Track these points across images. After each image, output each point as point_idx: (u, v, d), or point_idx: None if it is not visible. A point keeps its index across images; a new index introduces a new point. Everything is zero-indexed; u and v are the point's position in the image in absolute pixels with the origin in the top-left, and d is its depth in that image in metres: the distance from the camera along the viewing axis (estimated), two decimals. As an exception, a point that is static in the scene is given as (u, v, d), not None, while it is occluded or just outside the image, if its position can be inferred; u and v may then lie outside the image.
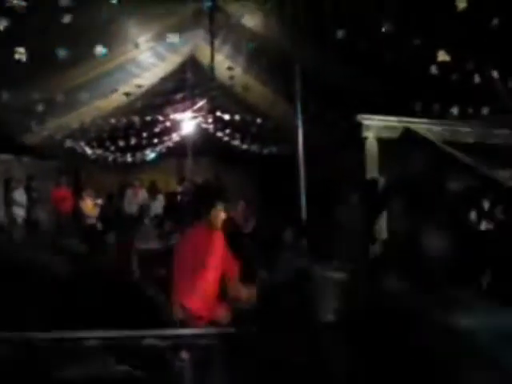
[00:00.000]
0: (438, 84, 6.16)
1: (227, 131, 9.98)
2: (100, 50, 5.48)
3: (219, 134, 9.94)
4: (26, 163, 9.65)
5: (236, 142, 10.28)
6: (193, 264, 2.85)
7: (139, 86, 8.42)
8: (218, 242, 2.97)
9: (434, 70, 5.92)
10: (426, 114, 7.24)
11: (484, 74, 6.12)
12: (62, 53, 5.45)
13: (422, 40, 5.62)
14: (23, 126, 8.02)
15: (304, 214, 6.69)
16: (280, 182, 8.87)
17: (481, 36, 5.39)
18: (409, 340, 1.71)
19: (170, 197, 10.69)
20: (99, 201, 9.36)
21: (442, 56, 5.67)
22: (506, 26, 5.21)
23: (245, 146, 10.35)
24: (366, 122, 7.40)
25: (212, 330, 2.56)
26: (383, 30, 5.48)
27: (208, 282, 2.84)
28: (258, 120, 9.25)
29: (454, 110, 6.98)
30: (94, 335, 2.43)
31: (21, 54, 5.01)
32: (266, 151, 10.27)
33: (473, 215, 6.11)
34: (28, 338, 2.35)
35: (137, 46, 6.91)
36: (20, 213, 8.75)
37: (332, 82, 7.32)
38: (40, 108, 6.92)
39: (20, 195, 8.89)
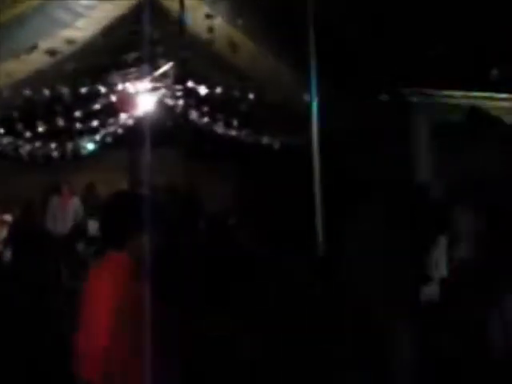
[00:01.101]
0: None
1: (204, 110, 9.45)
2: None
3: (192, 114, 9.40)
4: None
5: (218, 127, 9.82)
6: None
7: (70, 41, 7.52)
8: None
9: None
10: (503, 86, 7.45)
11: None
12: None
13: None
14: None
15: (320, 238, 6.53)
16: (284, 187, 8.92)
17: None
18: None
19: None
20: (7, 216, 8.71)
21: None
22: None
23: (231, 133, 9.89)
24: (413, 100, 7.64)
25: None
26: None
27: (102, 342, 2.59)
28: (251, 95, 8.70)
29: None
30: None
31: None
32: (262, 141, 9.87)
33: None
34: None
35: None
36: None
37: (362, 40, 7.21)
38: None
39: None
